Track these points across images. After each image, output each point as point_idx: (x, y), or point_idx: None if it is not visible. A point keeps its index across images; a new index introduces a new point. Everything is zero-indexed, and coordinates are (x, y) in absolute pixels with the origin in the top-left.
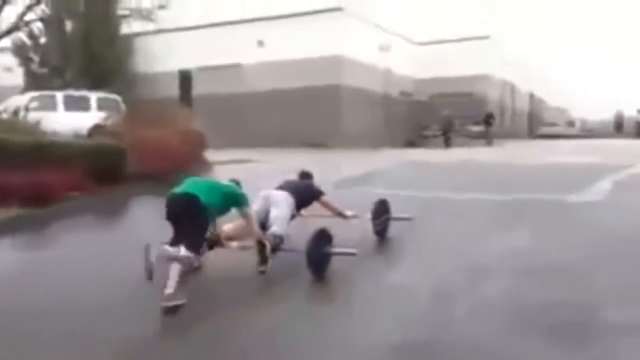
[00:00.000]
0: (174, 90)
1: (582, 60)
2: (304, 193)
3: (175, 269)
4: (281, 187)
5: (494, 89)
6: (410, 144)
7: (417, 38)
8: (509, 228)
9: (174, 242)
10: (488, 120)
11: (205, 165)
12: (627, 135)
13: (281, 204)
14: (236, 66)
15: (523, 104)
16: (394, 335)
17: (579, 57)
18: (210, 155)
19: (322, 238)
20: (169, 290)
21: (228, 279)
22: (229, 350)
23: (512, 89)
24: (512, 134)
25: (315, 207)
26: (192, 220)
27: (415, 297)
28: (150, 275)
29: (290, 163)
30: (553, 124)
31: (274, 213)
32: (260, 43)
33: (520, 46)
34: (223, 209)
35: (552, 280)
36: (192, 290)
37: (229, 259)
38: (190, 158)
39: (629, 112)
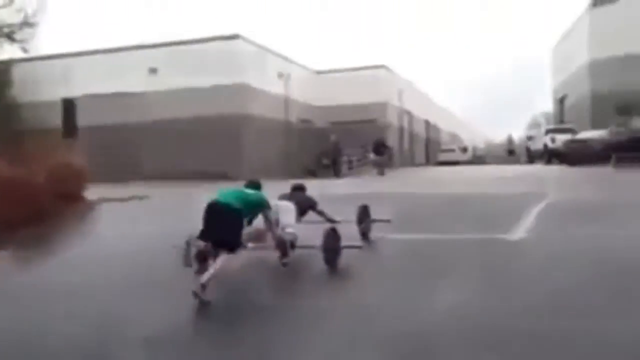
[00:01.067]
0: (58, 120)
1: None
2: (304, 203)
3: (213, 266)
4: (284, 198)
5: (393, 116)
6: (310, 173)
7: (316, 66)
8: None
9: (209, 243)
10: (379, 149)
11: (84, 205)
12: (519, 161)
13: (289, 212)
14: (129, 94)
15: (420, 131)
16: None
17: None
18: (99, 191)
19: (333, 236)
20: (204, 279)
21: (263, 273)
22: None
23: (410, 116)
24: (411, 161)
25: (310, 214)
26: (228, 225)
27: None
28: (189, 264)
29: (183, 199)
30: (450, 150)
31: (284, 219)
32: (153, 70)
33: (412, 73)
34: (252, 214)
35: None
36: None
37: (251, 258)
38: (61, 197)
39: (519, 134)
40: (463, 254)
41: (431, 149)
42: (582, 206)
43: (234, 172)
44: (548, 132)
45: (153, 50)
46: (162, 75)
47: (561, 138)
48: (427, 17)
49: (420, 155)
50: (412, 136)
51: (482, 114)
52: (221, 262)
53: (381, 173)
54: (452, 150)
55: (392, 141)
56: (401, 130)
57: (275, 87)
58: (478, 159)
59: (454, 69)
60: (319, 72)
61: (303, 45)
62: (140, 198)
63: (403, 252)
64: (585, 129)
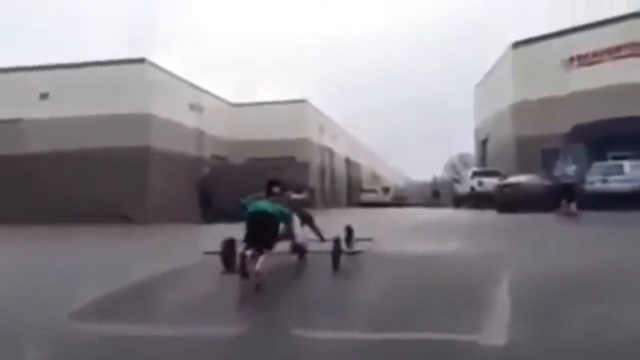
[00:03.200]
0: None
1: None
2: (302, 218)
3: (260, 260)
4: None
5: (314, 153)
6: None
7: (233, 98)
8: None
9: (251, 245)
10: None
11: None
12: (444, 203)
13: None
14: (13, 122)
15: (341, 169)
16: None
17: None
18: None
19: (340, 241)
20: (258, 267)
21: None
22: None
23: (331, 153)
24: (333, 202)
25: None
26: (270, 229)
27: None
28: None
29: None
30: (372, 190)
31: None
32: (44, 96)
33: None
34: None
35: None
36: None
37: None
38: None
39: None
40: None
41: (353, 188)
42: (562, 278)
43: (136, 214)
44: (475, 174)
45: (45, 73)
46: (55, 101)
47: (489, 181)
48: (351, 56)
49: (341, 195)
50: (334, 175)
51: (402, 151)
52: (264, 258)
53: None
54: (374, 191)
55: (313, 180)
56: (322, 168)
57: (187, 119)
58: (400, 200)
59: (372, 102)
60: (236, 105)
61: (221, 76)
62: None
63: None
64: (509, 172)
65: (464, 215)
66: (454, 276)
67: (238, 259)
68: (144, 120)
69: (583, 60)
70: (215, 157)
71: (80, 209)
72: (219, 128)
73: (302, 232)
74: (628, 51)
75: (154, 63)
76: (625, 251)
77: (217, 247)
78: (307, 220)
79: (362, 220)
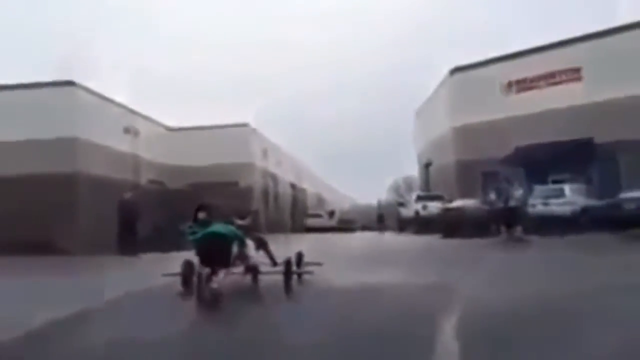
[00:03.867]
0: None
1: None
2: (257, 242)
3: (217, 279)
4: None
5: (257, 178)
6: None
7: (171, 122)
8: None
9: (208, 264)
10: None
11: None
12: (388, 227)
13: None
14: None
15: (286, 194)
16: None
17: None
18: None
19: (291, 263)
20: (215, 285)
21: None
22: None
23: (275, 178)
24: (276, 226)
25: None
26: (224, 250)
27: None
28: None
29: None
30: (317, 215)
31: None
32: None
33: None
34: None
35: None
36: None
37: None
38: None
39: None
40: None
41: (298, 213)
42: (516, 314)
43: (65, 244)
44: (419, 198)
45: None
46: None
47: (433, 205)
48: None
49: (286, 220)
50: (278, 199)
51: (348, 174)
52: (223, 275)
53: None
54: (320, 216)
55: (256, 205)
56: (266, 192)
57: (121, 144)
58: (345, 223)
59: (315, 123)
60: (174, 129)
61: (158, 100)
62: None
63: None
64: (452, 196)
65: (408, 240)
66: (392, 314)
67: (195, 279)
68: (71, 145)
69: (521, 85)
70: (153, 183)
71: (5, 239)
72: (157, 153)
73: (255, 255)
74: (562, 77)
75: (83, 86)
76: (585, 280)
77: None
78: (262, 245)
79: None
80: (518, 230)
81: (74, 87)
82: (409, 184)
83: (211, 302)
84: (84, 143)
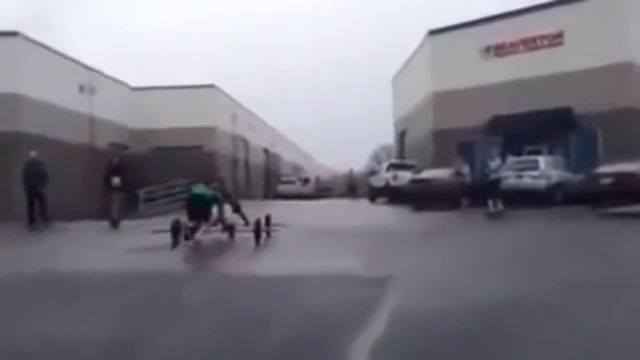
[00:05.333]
0: None
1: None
2: (233, 206)
3: (199, 230)
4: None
5: (224, 143)
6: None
7: (133, 81)
8: None
9: (192, 218)
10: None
11: None
12: (363, 196)
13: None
14: None
15: (258, 160)
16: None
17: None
18: None
19: (261, 223)
20: (198, 237)
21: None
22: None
23: (246, 143)
24: (247, 194)
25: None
26: (205, 207)
27: None
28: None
29: None
30: (289, 182)
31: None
32: None
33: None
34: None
35: None
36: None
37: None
38: None
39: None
40: None
41: (272, 180)
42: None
43: (3, 211)
44: (390, 167)
45: None
46: None
47: (404, 175)
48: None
49: (258, 187)
50: (249, 166)
51: (329, 144)
52: (205, 226)
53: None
54: (292, 182)
55: (223, 171)
56: (234, 158)
57: (75, 103)
58: (323, 192)
59: (298, 96)
60: (137, 89)
61: (120, 54)
62: None
63: None
64: (427, 165)
65: (367, 213)
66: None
67: (183, 230)
68: (11, 102)
69: (500, 50)
70: (115, 146)
71: None
72: (117, 114)
73: (232, 217)
74: (544, 42)
75: (29, 37)
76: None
77: None
78: (237, 208)
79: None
80: (499, 204)
81: (17, 37)
82: (389, 152)
83: (194, 249)
84: (27, 100)
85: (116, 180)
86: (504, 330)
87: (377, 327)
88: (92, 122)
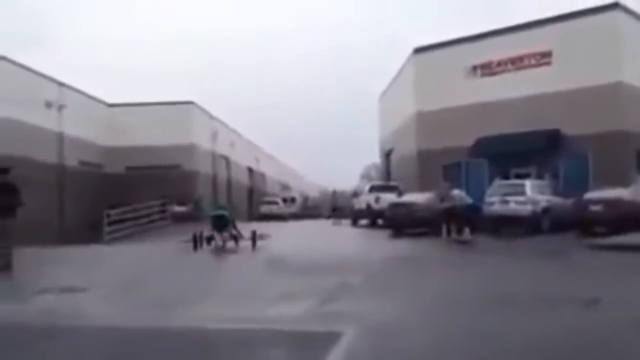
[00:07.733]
0: None
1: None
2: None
3: (222, 239)
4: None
5: (204, 162)
6: (94, 227)
7: (108, 97)
8: None
9: (215, 229)
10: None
11: None
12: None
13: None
14: None
15: (242, 179)
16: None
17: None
18: None
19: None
20: (220, 243)
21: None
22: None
23: (228, 162)
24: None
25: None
26: (224, 223)
27: None
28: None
29: None
30: (272, 202)
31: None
32: None
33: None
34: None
35: None
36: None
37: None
38: None
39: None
40: None
41: (255, 199)
42: None
43: None
44: (372, 189)
45: None
46: None
47: (386, 198)
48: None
49: (242, 207)
50: (231, 185)
51: (320, 162)
52: (222, 237)
53: None
54: (275, 203)
55: (203, 190)
56: (214, 177)
57: (44, 120)
58: (309, 211)
59: (285, 114)
60: (111, 105)
61: (95, 67)
62: None
63: None
64: (412, 186)
65: (346, 238)
66: None
67: (206, 238)
68: None
69: (486, 69)
70: (84, 164)
71: None
72: (90, 131)
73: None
74: (532, 61)
75: None
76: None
77: None
78: (234, 225)
79: None
80: (466, 232)
81: None
82: (379, 171)
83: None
84: None
85: None
86: None
87: None
88: (60, 139)
